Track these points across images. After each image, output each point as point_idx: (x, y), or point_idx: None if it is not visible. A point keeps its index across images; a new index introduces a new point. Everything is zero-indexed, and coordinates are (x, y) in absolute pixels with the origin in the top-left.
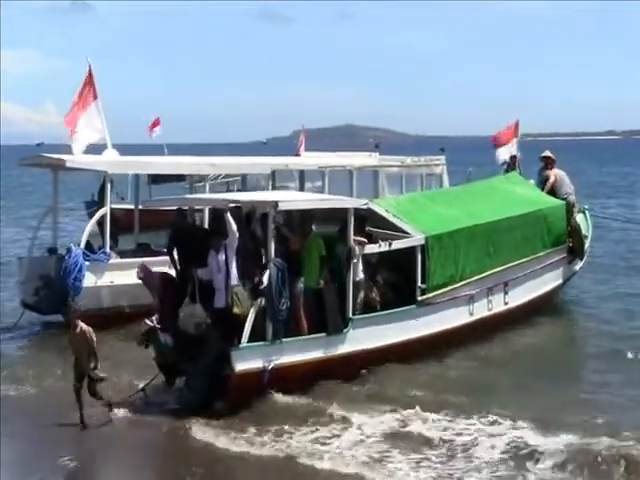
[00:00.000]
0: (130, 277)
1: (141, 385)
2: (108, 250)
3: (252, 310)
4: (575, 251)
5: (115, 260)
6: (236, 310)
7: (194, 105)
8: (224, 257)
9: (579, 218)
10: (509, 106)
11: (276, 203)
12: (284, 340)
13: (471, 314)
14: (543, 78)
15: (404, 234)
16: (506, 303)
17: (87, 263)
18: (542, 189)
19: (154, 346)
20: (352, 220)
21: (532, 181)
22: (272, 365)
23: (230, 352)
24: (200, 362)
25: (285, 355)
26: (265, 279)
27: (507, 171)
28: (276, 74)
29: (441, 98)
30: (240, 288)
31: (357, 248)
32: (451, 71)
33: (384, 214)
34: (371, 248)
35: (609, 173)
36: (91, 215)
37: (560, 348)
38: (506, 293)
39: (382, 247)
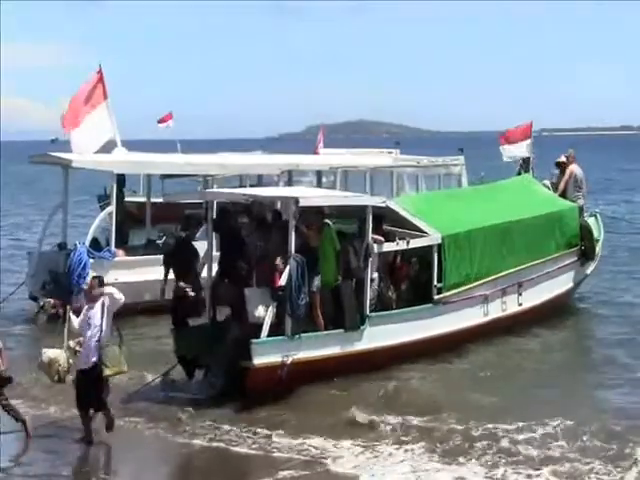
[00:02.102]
0: (135, 274)
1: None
2: (113, 248)
3: (271, 306)
4: (587, 254)
5: (120, 258)
6: (107, 372)
7: (206, 101)
8: (99, 313)
9: (591, 222)
10: (525, 101)
11: (297, 199)
12: (302, 335)
13: (485, 314)
14: (559, 73)
15: (421, 233)
16: (520, 304)
17: (91, 260)
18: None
19: (174, 339)
20: (370, 217)
21: (546, 181)
22: (290, 360)
23: (250, 345)
24: (219, 352)
25: (303, 350)
26: (285, 275)
27: (520, 173)
28: (289, 69)
29: (456, 93)
30: (113, 347)
31: (375, 246)
32: (465, 66)
33: (402, 212)
34: (389, 246)
35: (623, 170)
36: (103, 209)
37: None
38: (520, 294)
39: (400, 245)
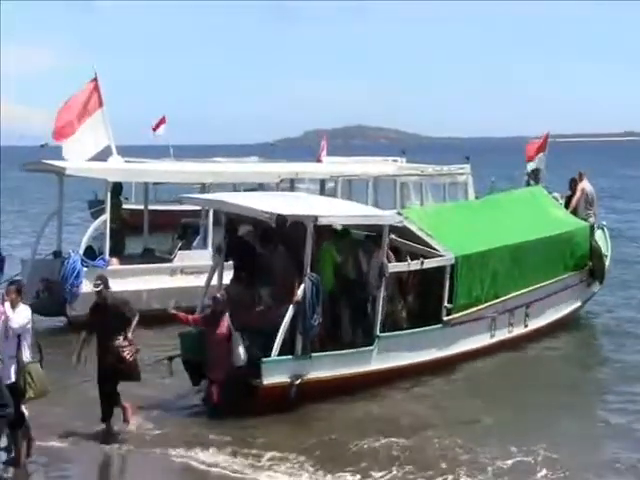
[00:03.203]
0: (129, 284)
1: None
2: (107, 256)
3: (284, 323)
4: (596, 274)
5: (113, 267)
6: (30, 394)
7: (200, 106)
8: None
9: (598, 236)
10: (528, 107)
11: (316, 218)
12: (313, 355)
13: (492, 336)
14: (563, 77)
15: (433, 250)
16: (526, 326)
17: (85, 269)
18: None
19: (180, 342)
20: (387, 236)
21: (556, 194)
22: (300, 380)
23: (261, 364)
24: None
25: (313, 370)
26: (299, 293)
27: (529, 183)
28: (286, 72)
29: (456, 98)
30: (35, 365)
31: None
32: (465, 70)
33: (418, 232)
34: (403, 266)
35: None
36: (94, 215)
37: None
38: (527, 316)
39: (413, 266)
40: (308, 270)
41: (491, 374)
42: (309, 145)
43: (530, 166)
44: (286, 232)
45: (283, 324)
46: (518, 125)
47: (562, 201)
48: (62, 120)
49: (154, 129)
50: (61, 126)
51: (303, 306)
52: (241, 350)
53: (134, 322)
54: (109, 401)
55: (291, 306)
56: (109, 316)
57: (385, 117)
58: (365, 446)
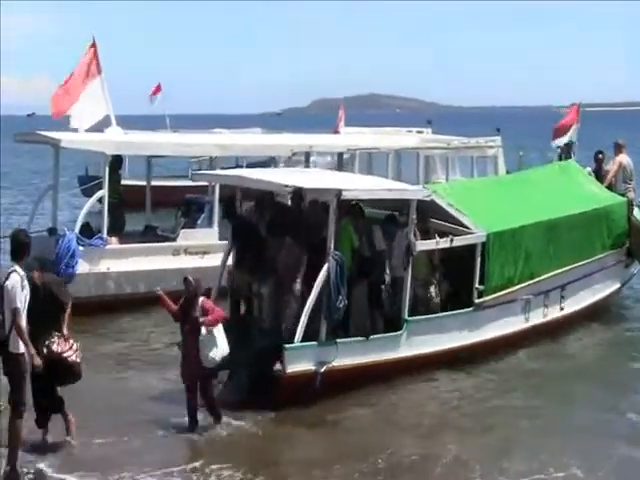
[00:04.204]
0: (130, 264)
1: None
2: (105, 235)
3: (307, 306)
4: (635, 253)
5: (112, 246)
6: None
7: (201, 73)
8: None
9: (636, 212)
10: (555, 74)
11: (340, 191)
12: (338, 341)
13: (526, 320)
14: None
15: (462, 228)
16: (562, 309)
17: (81, 248)
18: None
19: None
20: (414, 212)
21: (589, 169)
22: (325, 367)
23: (283, 351)
24: (240, 359)
25: (339, 357)
26: (322, 274)
27: (561, 158)
28: (291, 38)
29: (477, 66)
30: None
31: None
32: (487, 34)
33: (447, 208)
34: (431, 244)
35: None
36: (85, 192)
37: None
38: (562, 298)
39: (442, 243)
40: (332, 248)
41: (525, 367)
42: (318, 115)
43: (560, 141)
44: (298, 218)
45: (306, 307)
46: (547, 94)
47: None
48: (65, 92)
49: (152, 95)
50: (62, 99)
51: (327, 288)
52: (213, 348)
53: (68, 309)
54: (45, 404)
55: (315, 288)
56: (40, 300)
57: (400, 85)
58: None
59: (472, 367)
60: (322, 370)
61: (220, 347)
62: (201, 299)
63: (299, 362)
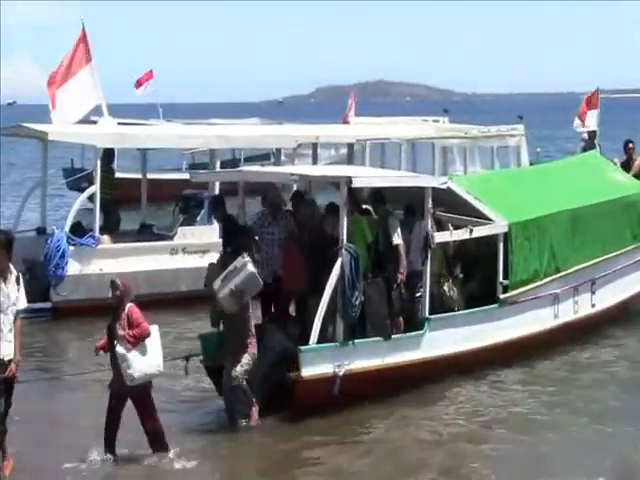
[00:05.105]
0: (123, 264)
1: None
2: (97, 233)
3: (322, 305)
4: None
5: (105, 245)
6: None
7: (194, 58)
8: None
9: None
10: (579, 59)
11: (350, 179)
12: (356, 342)
13: (556, 317)
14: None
15: (482, 220)
16: (593, 305)
17: (72, 248)
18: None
19: (202, 347)
20: (430, 201)
21: (616, 159)
22: (343, 371)
23: (298, 353)
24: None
25: (358, 359)
26: (336, 269)
27: (585, 150)
28: (294, 22)
29: (491, 49)
30: None
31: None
32: (502, 16)
33: (465, 196)
34: (449, 235)
35: None
36: (70, 185)
37: None
38: (593, 293)
39: (461, 235)
40: (344, 240)
41: (554, 375)
42: (321, 103)
43: (580, 128)
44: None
45: (321, 305)
46: (570, 80)
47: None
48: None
49: (137, 86)
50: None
51: (342, 284)
52: (134, 363)
53: None
54: None
55: (328, 285)
56: None
57: (409, 71)
58: None
59: (493, 374)
60: (341, 373)
61: (147, 360)
62: (128, 306)
63: (317, 365)
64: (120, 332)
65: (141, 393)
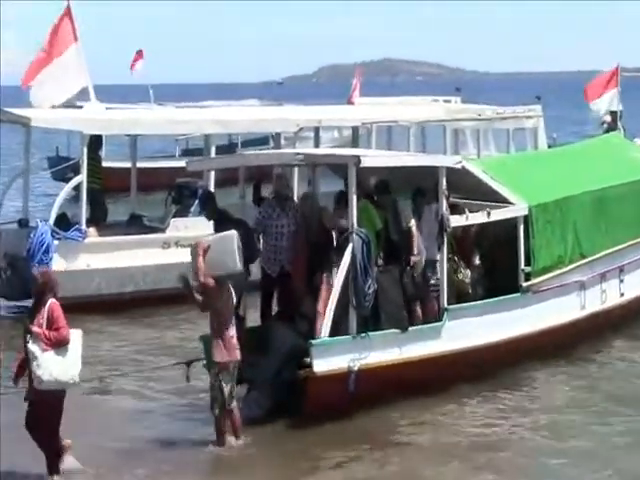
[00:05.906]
0: (111, 259)
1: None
2: (84, 226)
3: (333, 295)
4: None
5: (92, 239)
6: None
7: (187, 34)
8: None
9: None
10: (594, 35)
11: (358, 159)
12: (371, 334)
13: (582, 307)
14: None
15: (500, 203)
16: (622, 294)
17: (56, 242)
18: None
19: (204, 349)
20: (444, 182)
21: (638, 140)
22: (358, 365)
23: (310, 347)
24: (263, 366)
25: (373, 353)
26: (346, 255)
27: (607, 131)
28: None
29: (503, 25)
30: None
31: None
32: None
33: (481, 176)
34: (463, 219)
35: None
36: (55, 175)
37: None
38: (622, 281)
39: (478, 218)
40: (355, 224)
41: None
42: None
43: (598, 105)
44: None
45: (332, 297)
46: (588, 58)
47: None
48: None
49: (131, 67)
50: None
51: (354, 270)
52: (45, 364)
53: None
54: None
55: (339, 273)
56: None
57: (419, 48)
58: None
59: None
60: (356, 368)
61: (62, 366)
62: (50, 302)
63: (330, 359)
64: (36, 329)
65: (49, 404)
